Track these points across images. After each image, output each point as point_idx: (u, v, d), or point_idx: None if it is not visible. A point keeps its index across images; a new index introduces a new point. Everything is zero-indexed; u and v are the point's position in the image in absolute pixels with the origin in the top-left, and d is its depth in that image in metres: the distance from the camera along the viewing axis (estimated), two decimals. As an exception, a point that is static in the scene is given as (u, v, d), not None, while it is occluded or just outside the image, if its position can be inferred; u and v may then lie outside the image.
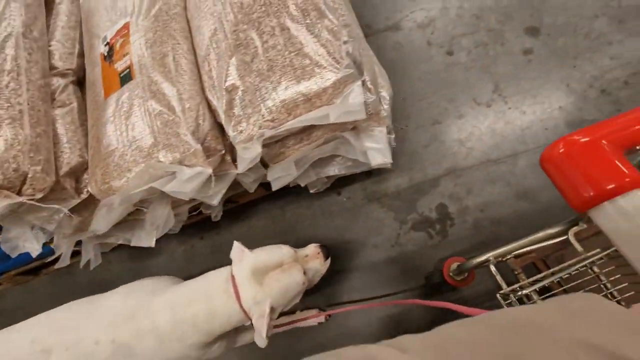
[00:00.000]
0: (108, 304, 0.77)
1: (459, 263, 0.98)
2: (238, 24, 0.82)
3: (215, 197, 0.90)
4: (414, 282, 1.14)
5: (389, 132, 1.01)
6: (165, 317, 0.71)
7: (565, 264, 0.68)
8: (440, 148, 1.28)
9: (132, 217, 1.14)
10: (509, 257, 0.75)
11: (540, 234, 0.67)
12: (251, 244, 1.46)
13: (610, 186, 0.40)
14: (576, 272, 0.66)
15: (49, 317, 0.79)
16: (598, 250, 0.64)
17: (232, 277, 0.73)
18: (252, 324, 0.71)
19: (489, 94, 1.28)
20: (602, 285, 0.66)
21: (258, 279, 0.71)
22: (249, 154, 0.79)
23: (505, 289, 0.70)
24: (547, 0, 1.33)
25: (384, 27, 1.51)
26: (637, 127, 0.43)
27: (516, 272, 0.80)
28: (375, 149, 0.88)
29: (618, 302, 0.64)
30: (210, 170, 0.83)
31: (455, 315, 0.43)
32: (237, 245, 0.78)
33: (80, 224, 1.06)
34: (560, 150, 0.44)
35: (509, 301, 0.70)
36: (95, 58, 1.00)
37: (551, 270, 0.74)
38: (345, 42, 0.75)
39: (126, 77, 0.91)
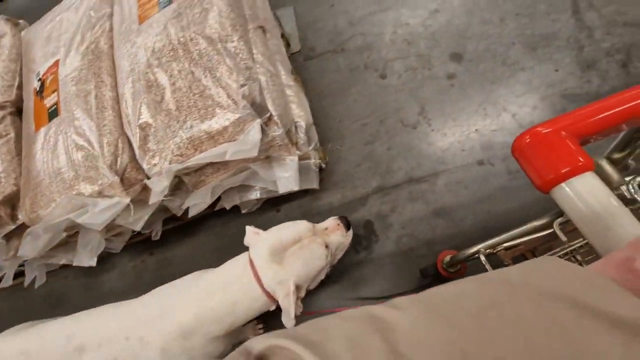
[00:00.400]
0: (140, 305, 0.77)
1: (451, 255, 1.02)
2: (150, 67, 0.89)
3: (137, 223, 0.97)
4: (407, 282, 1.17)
5: (306, 158, 1.09)
6: (188, 314, 0.70)
7: (550, 253, 0.72)
8: (371, 167, 1.36)
9: (74, 239, 1.20)
10: (499, 248, 0.78)
11: (528, 226, 0.70)
12: (199, 258, 1.51)
13: (566, 169, 0.47)
14: None
15: (83, 316, 0.79)
16: (580, 239, 0.68)
17: (251, 261, 0.70)
18: (278, 307, 0.68)
19: (415, 116, 1.36)
20: None
21: (277, 258, 0.68)
22: (158, 187, 0.86)
23: None
24: (471, 27, 1.42)
25: (326, 50, 1.59)
26: (590, 120, 0.50)
27: (506, 264, 0.81)
28: (284, 177, 0.96)
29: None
30: (127, 200, 0.90)
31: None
32: (249, 229, 0.74)
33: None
34: (527, 140, 0.51)
35: None
36: (30, 92, 1.07)
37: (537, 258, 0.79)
38: (242, 85, 0.83)
39: (53, 113, 0.98)
